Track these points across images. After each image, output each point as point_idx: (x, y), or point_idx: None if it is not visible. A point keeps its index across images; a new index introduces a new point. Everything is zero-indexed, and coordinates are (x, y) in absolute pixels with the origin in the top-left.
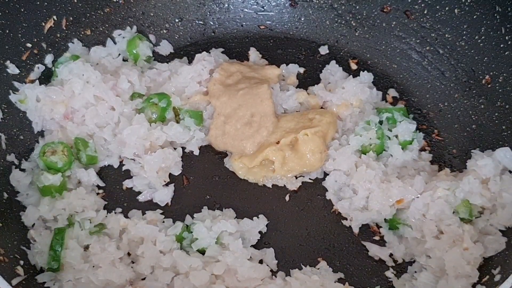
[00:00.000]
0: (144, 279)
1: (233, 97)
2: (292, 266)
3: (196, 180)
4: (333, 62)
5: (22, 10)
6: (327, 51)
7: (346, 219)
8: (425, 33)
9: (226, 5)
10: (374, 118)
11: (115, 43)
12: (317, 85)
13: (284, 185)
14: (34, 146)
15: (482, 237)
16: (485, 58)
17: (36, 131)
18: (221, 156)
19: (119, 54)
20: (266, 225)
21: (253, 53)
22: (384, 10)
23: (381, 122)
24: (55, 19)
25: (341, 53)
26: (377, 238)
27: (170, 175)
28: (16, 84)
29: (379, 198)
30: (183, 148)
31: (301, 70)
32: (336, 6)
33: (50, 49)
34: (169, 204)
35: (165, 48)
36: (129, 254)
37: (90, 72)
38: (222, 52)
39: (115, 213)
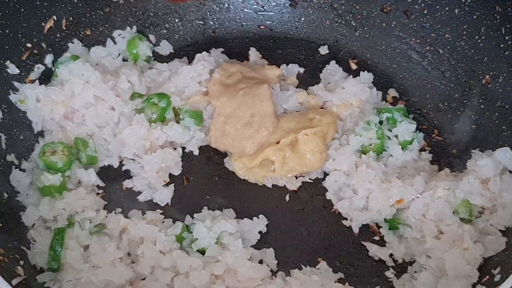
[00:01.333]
0: (144, 279)
1: (233, 97)
2: (292, 266)
3: (196, 180)
4: (333, 62)
5: (22, 10)
6: (327, 51)
7: (346, 219)
8: (425, 33)
9: (226, 5)
10: (374, 118)
11: (115, 43)
12: (317, 85)
13: (284, 185)
14: (34, 146)
15: (482, 237)
16: (485, 58)
17: (36, 131)
18: (221, 156)
19: (119, 54)
20: (266, 225)
21: (253, 53)
22: (384, 10)
23: (381, 122)
24: (55, 19)
25: (341, 53)
26: (377, 238)
27: (170, 175)
28: (16, 84)
29: (379, 198)
30: (183, 148)
31: (301, 70)
32: (336, 6)
33: (50, 49)
34: (169, 204)
35: (165, 48)
36: (129, 254)
37: (90, 72)
38: (222, 52)
39: (115, 213)
